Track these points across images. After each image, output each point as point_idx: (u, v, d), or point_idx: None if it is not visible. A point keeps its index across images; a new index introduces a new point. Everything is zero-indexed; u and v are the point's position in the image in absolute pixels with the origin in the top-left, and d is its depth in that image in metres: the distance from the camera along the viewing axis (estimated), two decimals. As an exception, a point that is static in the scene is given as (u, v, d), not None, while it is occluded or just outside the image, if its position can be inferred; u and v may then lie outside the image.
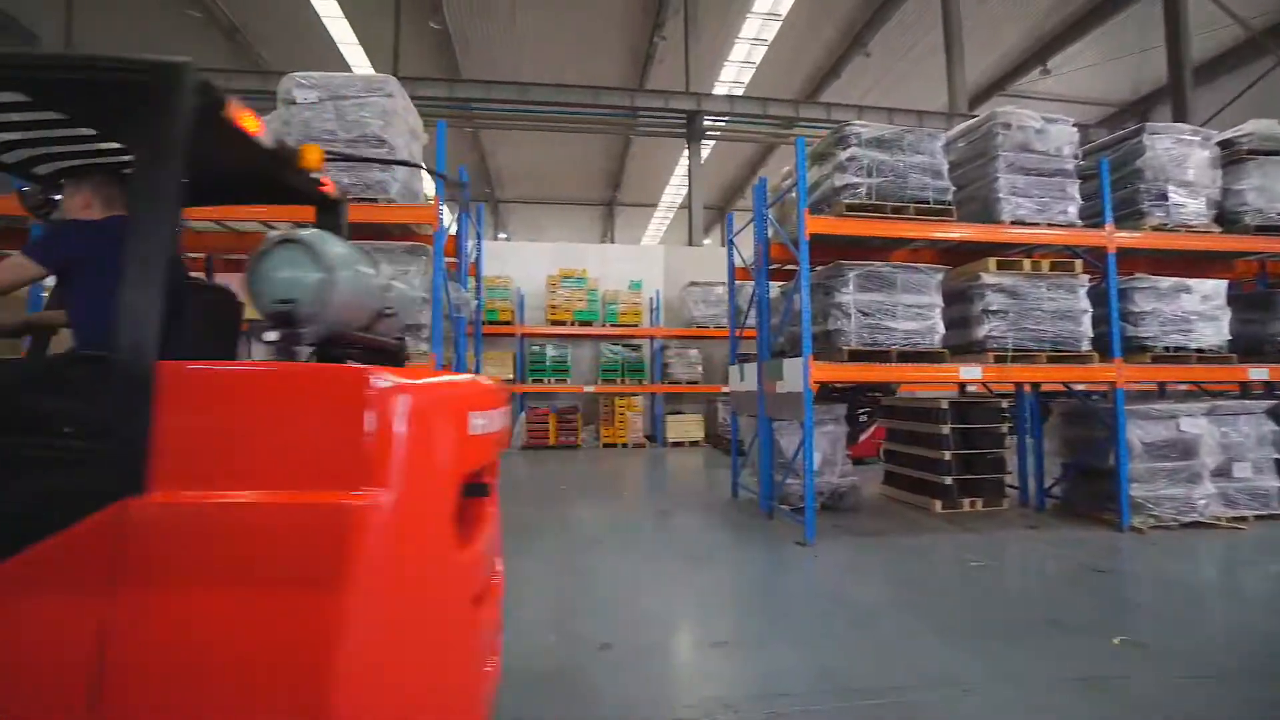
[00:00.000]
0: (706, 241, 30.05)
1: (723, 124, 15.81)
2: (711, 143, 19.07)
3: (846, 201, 5.02)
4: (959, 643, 3.08)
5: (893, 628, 3.31)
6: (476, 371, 6.55)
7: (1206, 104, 13.95)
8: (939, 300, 5.16)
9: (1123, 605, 3.74)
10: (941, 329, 5.16)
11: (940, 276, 5.19)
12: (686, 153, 15.46)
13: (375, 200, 4.58)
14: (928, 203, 5.13)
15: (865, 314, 4.99)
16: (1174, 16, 13.21)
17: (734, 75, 17.52)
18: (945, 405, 6.04)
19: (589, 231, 30.16)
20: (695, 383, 11.83)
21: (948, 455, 5.98)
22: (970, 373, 5.06)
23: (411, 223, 4.76)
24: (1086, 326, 5.34)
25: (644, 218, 28.77)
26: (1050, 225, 5.37)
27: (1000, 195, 5.21)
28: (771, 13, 15.67)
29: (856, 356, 4.96)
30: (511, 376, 11.43)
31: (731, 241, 6.84)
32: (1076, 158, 5.53)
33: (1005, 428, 6.25)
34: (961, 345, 5.38)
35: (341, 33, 15.27)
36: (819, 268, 5.36)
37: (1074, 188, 5.47)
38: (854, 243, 5.61)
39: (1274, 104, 11.99)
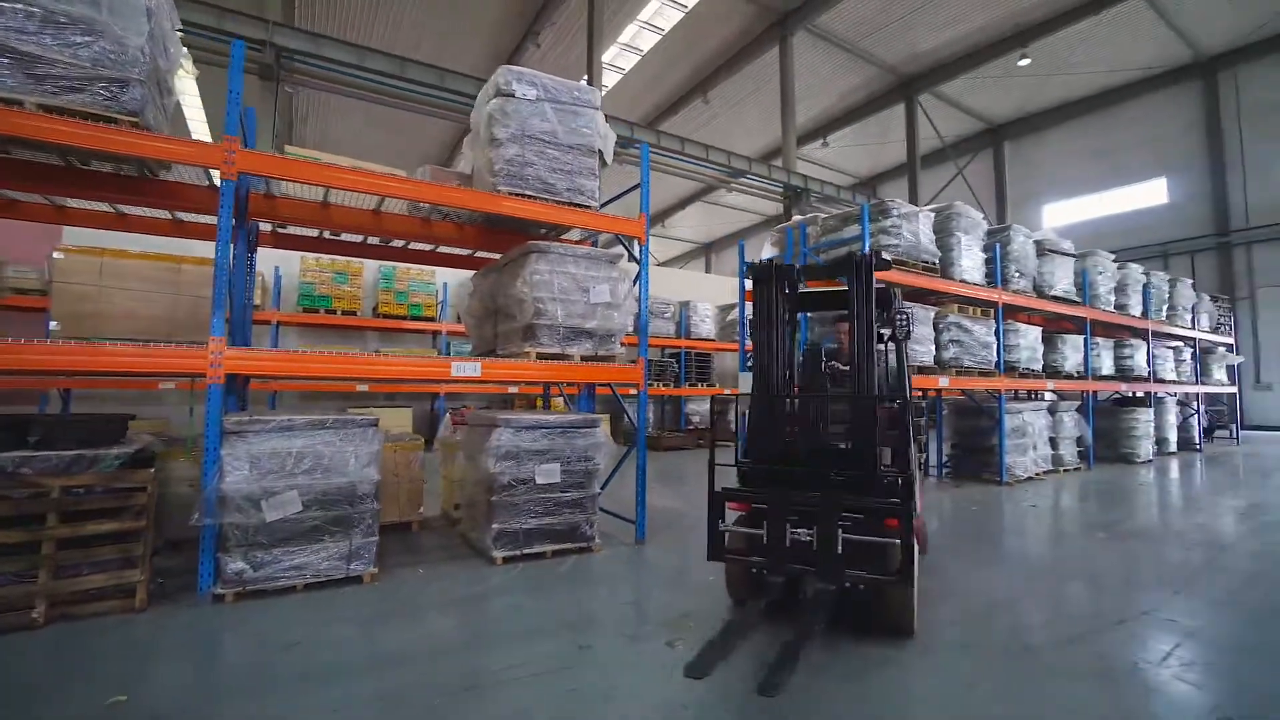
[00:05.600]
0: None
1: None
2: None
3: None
4: None
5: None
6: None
7: (927, 184, 19.98)
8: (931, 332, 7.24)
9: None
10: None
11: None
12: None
13: (589, 207, 4.67)
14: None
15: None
16: (911, 122, 18.91)
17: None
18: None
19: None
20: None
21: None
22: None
23: (624, 234, 4.87)
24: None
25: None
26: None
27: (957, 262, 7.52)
28: (631, 45, 17.21)
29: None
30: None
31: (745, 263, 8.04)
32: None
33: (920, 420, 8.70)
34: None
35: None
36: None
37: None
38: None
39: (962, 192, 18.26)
